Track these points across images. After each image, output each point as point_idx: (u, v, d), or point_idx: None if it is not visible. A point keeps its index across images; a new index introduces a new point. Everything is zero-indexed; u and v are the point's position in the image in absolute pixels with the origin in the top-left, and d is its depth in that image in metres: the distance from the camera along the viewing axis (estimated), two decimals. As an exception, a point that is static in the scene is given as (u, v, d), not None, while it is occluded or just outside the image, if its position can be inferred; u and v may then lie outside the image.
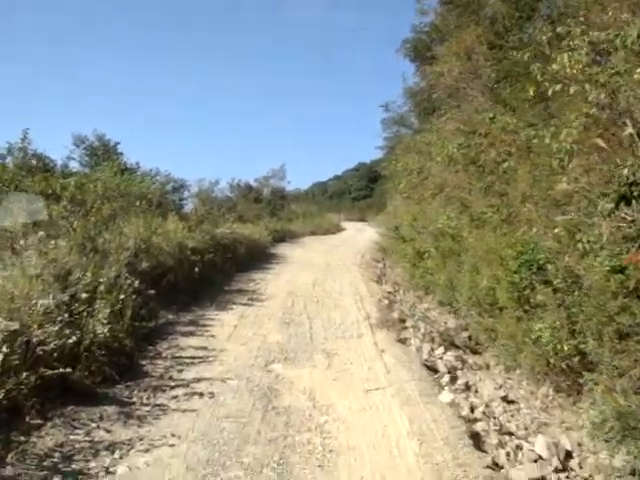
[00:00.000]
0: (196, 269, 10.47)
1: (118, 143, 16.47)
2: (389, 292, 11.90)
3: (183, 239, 11.06)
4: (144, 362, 6.33)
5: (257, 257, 16.46)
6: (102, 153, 15.95)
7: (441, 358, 7.21)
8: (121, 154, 16.27)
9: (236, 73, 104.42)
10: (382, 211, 50.01)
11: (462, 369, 6.86)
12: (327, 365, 6.40)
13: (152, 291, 7.91)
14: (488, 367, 7.02)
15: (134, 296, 7.26)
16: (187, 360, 6.41)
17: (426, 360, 6.92)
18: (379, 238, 25.23)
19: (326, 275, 13.76)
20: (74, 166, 14.87)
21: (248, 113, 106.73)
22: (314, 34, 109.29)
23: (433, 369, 6.64)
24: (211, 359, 6.47)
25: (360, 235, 29.12)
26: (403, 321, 8.85)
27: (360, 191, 74.74)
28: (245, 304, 9.80)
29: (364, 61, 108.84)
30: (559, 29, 7.49)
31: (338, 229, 34.06)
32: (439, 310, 10.36)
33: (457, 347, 7.76)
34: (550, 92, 6.83)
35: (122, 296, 6.68)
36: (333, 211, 49.97)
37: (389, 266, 16.86)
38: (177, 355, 6.62)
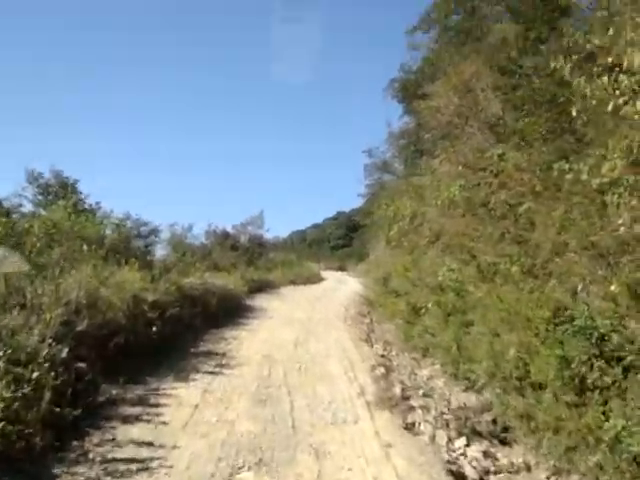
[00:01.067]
0: (154, 327, 8.62)
1: (77, 181, 14.72)
2: (382, 355, 10.11)
3: (140, 291, 9.23)
4: (58, 470, 4.44)
5: (232, 310, 14.61)
6: (57, 191, 14.16)
7: (464, 454, 5.42)
8: (80, 193, 14.48)
9: (215, 116, 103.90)
10: (363, 260, 48.65)
11: (496, 473, 5.07)
12: (317, 474, 4.57)
13: (83, 364, 6.03)
14: (529, 468, 5.23)
15: (61, 368, 5.45)
16: (122, 467, 4.52)
17: (448, 461, 5.12)
18: (363, 289, 23.58)
19: (308, 333, 11.95)
20: (25, 206, 13.08)
21: (227, 157, 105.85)
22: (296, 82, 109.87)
23: (460, 476, 4.85)
24: (156, 465, 4.58)
25: (342, 286, 27.44)
26: (407, 398, 7.06)
27: (339, 240, 73.58)
28: (212, 372, 7.94)
29: (344, 109, 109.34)
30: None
31: (318, 279, 32.32)
32: (444, 379, 8.60)
33: (481, 435, 5.97)
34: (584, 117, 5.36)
35: (36, 374, 4.83)
36: (312, 260, 48.33)
37: (377, 321, 15.11)
38: (110, 457, 4.72)
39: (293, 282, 27.47)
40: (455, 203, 11.10)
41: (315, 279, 31.43)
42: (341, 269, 49.00)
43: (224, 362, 8.65)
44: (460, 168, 12.37)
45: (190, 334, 10.59)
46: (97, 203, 14.56)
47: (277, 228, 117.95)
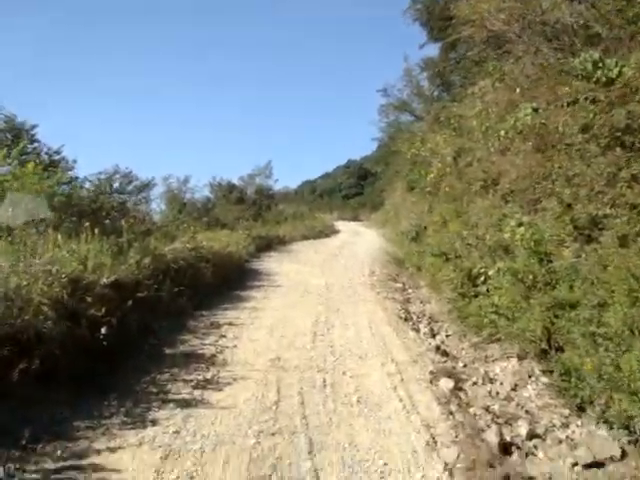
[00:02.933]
0: (103, 329, 5.63)
1: (35, 126, 11.52)
2: (437, 346, 7.11)
3: (82, 272, 6.21)
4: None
5: (232, 279, 11.64)
6: (11, 140, 11.03)
7: None
8: (35, 141, 11.32)
9: (221, 65, 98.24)
10: (377, 209, 45.43)
11: None
12: None
13: None
14: None
15: None
16: None
17: None
18: (385, 243, 20.49)
19: (330, 310, 8.95)
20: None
21: (234, 106, 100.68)
22: (304, 29, 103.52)
23: None
24: None
25: (359, 239, 24.33)
26: (510, 452, 4.07)
27: (350, 189, 70.32)
28: (187, 404, 4.94)
29: (356, 54, 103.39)
30: None
31: (332, 231, 29.22)
32: (537, 387, 5.63)
33: None
34: None
35: None
36: (324, 210, 45.20)
37: (411, 286, 12.10)
38: None
39: (305, 236, 24.43)
40: (522, 134, 7.91)
41: (329, 232, 28.34)
42: (355, 219, 45.86)
43: (209, 376, 5.65)
44: (517, 91, 9.11)
45: (169, 322, 7.64)
46: (56, 152, 11.40)
47: (286, 179, 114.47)
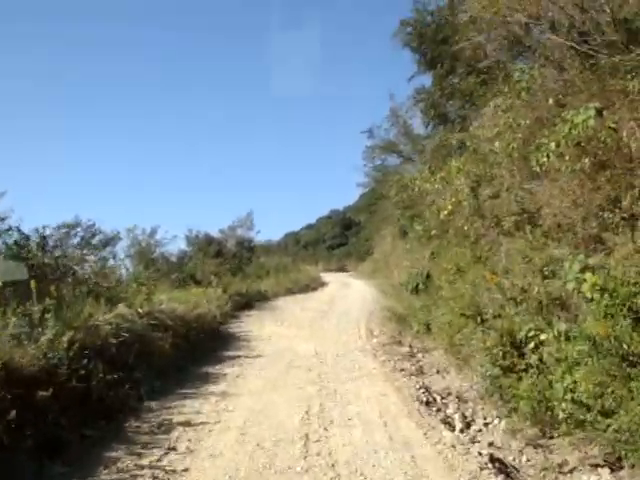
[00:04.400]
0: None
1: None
2: (492, 456, 4.73)
3: None
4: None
5: (199, 350, 9.22)
6: None
7: None
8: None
9: (196, 117, 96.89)
10: (363, 259, 43.26)
11: None
12: None
13: None
14: None
15: None
16: None
17: None
18: (378, 295, 18.19)
19: (325, 395, 6.52)
20: None
21: (213, 162, 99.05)
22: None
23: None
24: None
25: (349, 292, 21.97)
26: None
27: (335, 239, 68.38)
28: None
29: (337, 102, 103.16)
30: None
31: (319, 284, 26.86)
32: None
33: None
34: None
35: None
36: (309, 262, 42.94)
37: (421, 350, 9.77)
38: None
39: (290, 291, 22.06)
40: (579, 147, 5.82)
41: (315, 284, 25.98)
42: (341, 270, 43.66)
43: None
44: (550, 102, 7.11)
45: (98, 428, 5.22)
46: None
47: (269, 232, 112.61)
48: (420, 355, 9.52)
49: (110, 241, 17.39)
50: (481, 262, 8.55)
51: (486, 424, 5.99)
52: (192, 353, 8.70)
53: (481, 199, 8.15)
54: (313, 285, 25.32)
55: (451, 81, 13.54)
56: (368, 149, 27.06)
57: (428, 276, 12.99)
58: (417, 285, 13.39)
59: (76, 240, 16.63)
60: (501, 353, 6.16)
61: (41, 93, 78.33)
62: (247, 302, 17.05)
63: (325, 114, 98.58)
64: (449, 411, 6.27)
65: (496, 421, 6.03)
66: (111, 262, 17.55)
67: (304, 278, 26.18)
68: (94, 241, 17.03)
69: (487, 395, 6.33)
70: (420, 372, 8.26)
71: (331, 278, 30.51)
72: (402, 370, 8.02)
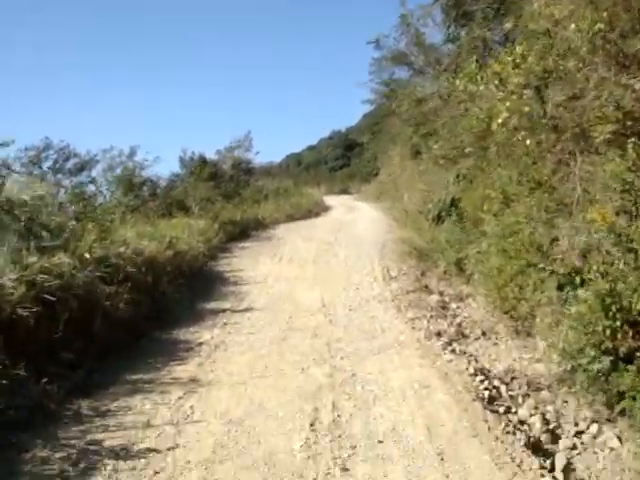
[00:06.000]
0: None
1: None
2: None
3: None
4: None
5: (173, 301, 7.05)
6: None
7: None
8: None
9: (197, 38, 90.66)
10: (367, 181, 40.60)
11: None
12: None
13: None
14: None
15: None
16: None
17: None
18: (391, 223, 15.93)
19: (340, 391, 4.37)
20: None
21: (211, 82, 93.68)
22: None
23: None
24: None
25: (356, 217, 19.62)
26: None
27: (337, 160, 65.38)
28: None
29: (336, 21, 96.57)
30: None
31: (322, 208, 24.48)
32: None
33: None
34: None
35: None
36: (311, 184, 40.42)
37: (454, 298, 7.62)
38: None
39: (291, 216, 19.75)
40: None
41: (318, 209, 23.60)
42: (344, 192, 41.09)
43: None
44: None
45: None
46: None
47: (270, 153, 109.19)
48: (454, 305, 7.38)
49: (86, 164, 15.04)
50: (543, 189, 6.19)
51: (578, 433, 3.92)
52: (159, 310, 6.51)
53: (551, 103, 5.68)
54: (316, 210, 22.97)
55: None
56: (375, 61, 23.82)
57: (453, 203, 10.71)
58: (440, 213, 11.12)
59: (48, 164, 14.36)
60: (608, 331, 3.95)
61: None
62: (242, 231, 14.83)
63: (330, 24, 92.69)
64: (523, 412, 4.15)
65: (593, 429, 3.94)
66: (91, 188, 15.37)
67: (306, 202, 23.78)
68: (68, 165, 14.71)
69: (581, 389, 4.18)
70: (461, 334, 6.12)
71: (335, 202, 28.12)
72: (439, 335, 5.86)
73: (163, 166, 31.13)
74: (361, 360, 4.98)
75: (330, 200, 28.72)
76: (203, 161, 23.95)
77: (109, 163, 14.72)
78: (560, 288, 4.99)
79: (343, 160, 64.14)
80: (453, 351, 5.34)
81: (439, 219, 11.04)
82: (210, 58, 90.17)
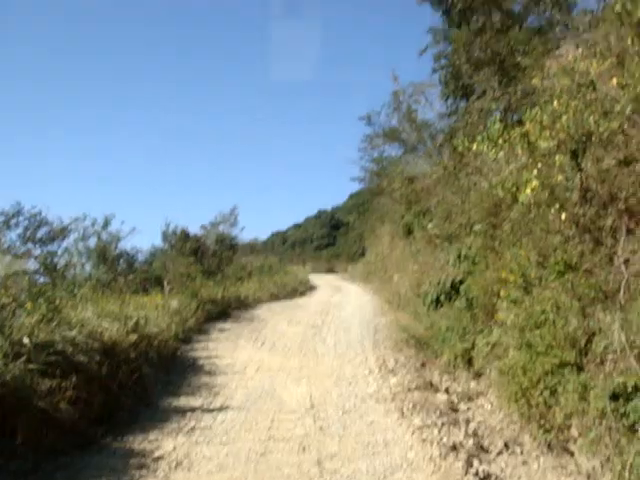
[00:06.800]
0: None
1: None
2: None
3: None
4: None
5: (133, 395, 5.85)
6: None
7: None
8: None
9: (184, 108, 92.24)
10: (354, 260, 39.81)
11: None
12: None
13: None
14: None
15: None
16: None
17: None
18: (382, 306, 14.90)
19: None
20: None
21: (197, 157, 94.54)
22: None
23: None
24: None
25: (344, 299, 18.54)
26: None
27: (322, 239, 65.19)
28: None
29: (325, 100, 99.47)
30: None
31: (308, 287, 23.46)
32: None
33: None
34: None
35: None
36: (296, 262, 39.55)
37: (461, 396, 6.50)
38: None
39: (275, 296, 18.67)
40: None
41: (304, 288, 22.55)
42: (330, 271, 40.27)
43: None
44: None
45: None
46: None
47: (255, 230, 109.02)
48: (464, 406, 6.26)
49: (59, 234, 14.07)
50: (575, 273, 5.27)
51: None
52: (114, 408, 5.31)
53: (590, 170, 4.88)
54: (301, 289, 21.93)
55: (486, 39, 10.29)
56: (366, 137, 23.64)
57: (453, 286, 9.79)
58: (439, 297, 10.16)
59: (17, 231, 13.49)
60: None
61: None
62: (222, 310, 13.68)
63: (322, 103, 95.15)
64: None
65: None
66: (64, 258, 14.31)
67: (291, 281, 22.76)
68: (40, 233, 13.76)
69: None
70: (480, 447, 4.99)
71: (321, 281, 27.11)
72: (454, 449, 4.73)
73: (144, 239, 30.09)
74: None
75: (316, 279, 27.75)
76: (186, 235, 23.03)
77: (82, 233, 13.75)
78: (614, 397, 3.96)
79: (329, 239, 63.91)
80: (476, 475, 4.20)
81: (437, 303, 10.08)
82: (195, 132, 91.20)
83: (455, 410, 6.10)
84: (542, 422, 4.98)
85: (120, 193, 68.33)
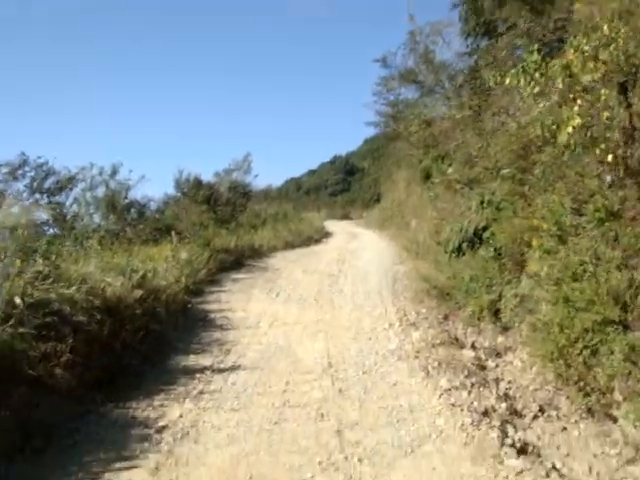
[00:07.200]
0: None
1: None
2: None
3: None
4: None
5: (140, 354, 5.49)
6: None
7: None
8: None
9: (195, 57, 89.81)
10: (368, 207, 39.09)
11: None
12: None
13: None
14: None
15: None
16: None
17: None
18: (399, 253, 14.39)
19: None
20: None
21: (211, 108, 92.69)
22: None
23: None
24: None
25: (360, 245, 18.03)
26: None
27: (337, 185, 64.32)
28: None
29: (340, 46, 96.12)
30: None
31: (323, 234, 22.98)
32: None
33: None
34: None
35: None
36: (311, 208, 38.93)
37: (488, 350, 6.04)
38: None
39: (289, 244, 18.22)
40: None
41: (319, 236, 22.06)
42: (345, 217, 39.67)
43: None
44: None
45: None
46: None
47: (270, 177, 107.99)
48: (492, 363, 5.81)
49: (67, 183, 13.61)
50: (615, 219, 4.68)
51: None
52: (114, 373, 4.92)
53: (639, 107, 4.22)
54: (316, 237, 21.46)
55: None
56: (382, 80, 22.51)
57: (476, 234, 9.20)
58: (460, 245, 9.60)
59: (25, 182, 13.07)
60: None
61: None
62: (236, 260, 13.27)
63: (337, 41, 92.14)
64: None
65: None
66: (73, 209, 13.92)
67: (306, 229, 22.25)
68: (47, 183, 13.33)
69: None
70: (514, 411, 4.55)
71: (336, 228, 26.60)
72: (486, 414, 4.29)
73: (158, 189, 29.57)
74: (388, 466, 3.39)
75: (331, 226, 27.23)
76: (198, 183, 22.48)
77: (89, 182, 13.26)
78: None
79: (343, 185, 62.97)
80: (513, 446, 3.77)
81: (459, 251, 9.53)
82: (208, 83, 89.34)
83: (483, 367, 5.66)
84: (581, 384, 4.51)
85: (134, 144, 67.64)
